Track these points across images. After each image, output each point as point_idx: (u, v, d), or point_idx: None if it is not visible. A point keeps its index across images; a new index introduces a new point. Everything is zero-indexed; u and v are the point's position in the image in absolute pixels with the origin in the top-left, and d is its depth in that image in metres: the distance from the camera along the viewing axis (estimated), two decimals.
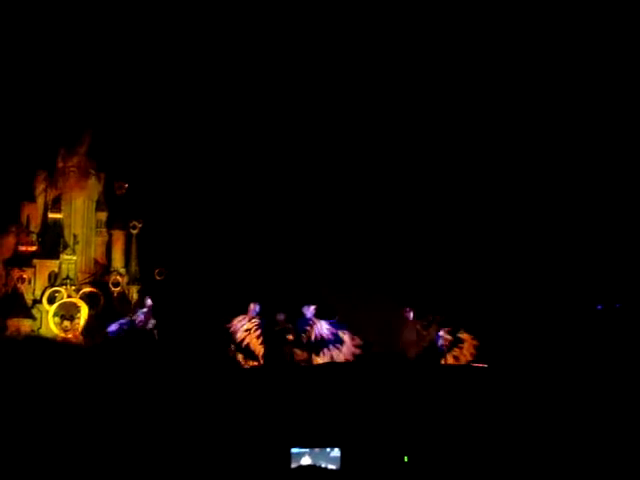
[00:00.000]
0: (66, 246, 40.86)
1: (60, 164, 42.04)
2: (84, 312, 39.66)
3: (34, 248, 40.73)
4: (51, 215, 41.22)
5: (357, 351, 34.98)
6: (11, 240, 40.82)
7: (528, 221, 43.90)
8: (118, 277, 41.12)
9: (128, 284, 41.35)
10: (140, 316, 37.73)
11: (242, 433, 27.70)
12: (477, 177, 45.95)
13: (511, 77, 46.67)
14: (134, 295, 41.21)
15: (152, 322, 37.31)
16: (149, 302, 38.33)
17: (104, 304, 40.50)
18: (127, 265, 41.75)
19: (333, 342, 35.01)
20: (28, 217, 41.52)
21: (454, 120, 46.66)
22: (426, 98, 46.55)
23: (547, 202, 44.22)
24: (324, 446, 27.33)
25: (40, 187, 41.97)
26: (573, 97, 45.44)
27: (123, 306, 40.51)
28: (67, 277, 40.45)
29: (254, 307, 36.49)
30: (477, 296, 40.64)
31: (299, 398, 28.26)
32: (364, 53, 47.17)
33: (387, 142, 46.67)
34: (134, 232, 41.83)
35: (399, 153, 46.36)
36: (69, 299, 40.17)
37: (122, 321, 37.69)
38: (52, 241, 40.91)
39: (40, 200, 41.76)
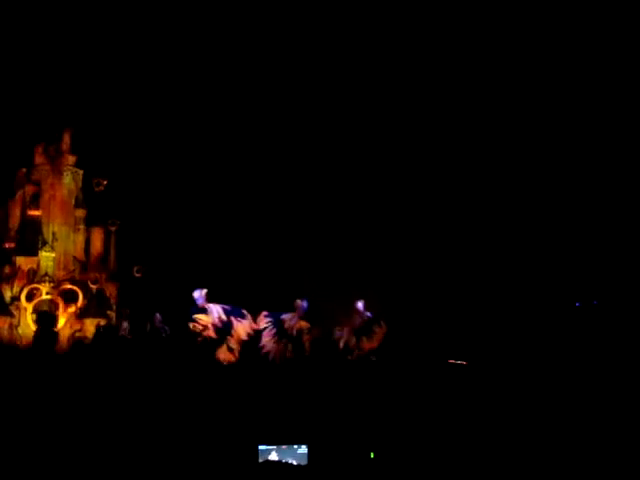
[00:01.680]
0: (45, 243, 40.72)
1: (39, 160, 41.88)
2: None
3: (12, 245, 40.63)
4: (29, 212, 41.08)
5: (252, 333, 35.13)
6: None
7: (506, 218, 43.79)
8: (97, 274, 41.00)
9: (107, 281, 41.23)
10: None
11: (208, 430, 27.61)
12: (462, 182, 45.97)
13: (511, 77, 46.55)
14: (113, 292, 41.08)
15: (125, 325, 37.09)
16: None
17: (83, 301, 40.28)
18: (105, 262, 41.73)
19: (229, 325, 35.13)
20: (7, 214, 41.43)
21: (439, 130, 46.64)
22: (423, 100, 46.48)
23: (524, 200, 44.15)
24: (291, 443, 27.29)
25: (19, 184, 41.88)
26: (573, 97, 45.31)
27: (102, 303, 40.37)
28: (46, 274, 40.25)
29: (302, 303, 36.21)
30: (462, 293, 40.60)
31: (265, 395, 28.19)
32: (364, 53, 47.10)
33: (375, 152, 46.64)
34: (113, 229, 41.75)
35: (385, 162, 46.35)
36: (47, 296, 39.97)
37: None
38: (31, 238, 40.80)
39: (18, 197, 41.65)
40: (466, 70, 46.94)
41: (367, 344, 35.00)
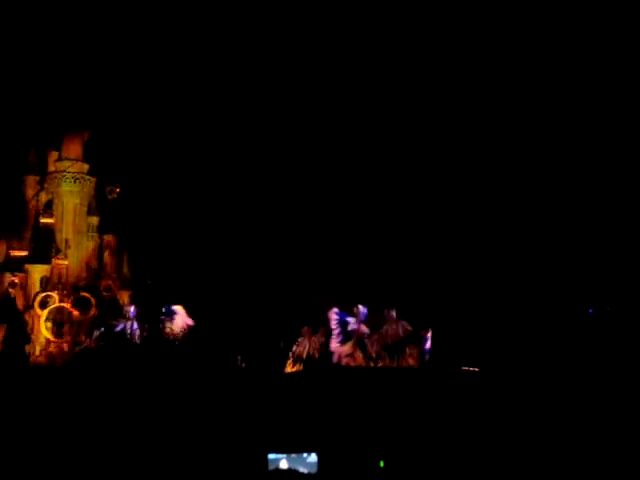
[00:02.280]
0: (58, 251, 40.91)
1: (52, 168, 42.14)
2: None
3: (25, 253, 40.87)
4: (42, 220, 41.28)
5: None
6: (2, 245, 41.00)
7: (519, 226, 43.65)
8: (110, 282, 41.17)
9: (120, 289, 41.41)
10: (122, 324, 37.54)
11: (219, 438, 27.62)
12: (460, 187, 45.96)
13: (511, 77, 46.46)
14: (125, 300, 41.25)
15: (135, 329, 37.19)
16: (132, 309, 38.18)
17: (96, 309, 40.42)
18: (119, 270, 41.92)
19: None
20: (19, 222, 41.69)
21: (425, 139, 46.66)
22: (423, 101, 46.47)
23: (535, 208, 44.04)
24: (301, 451, 27.20)
25: (31, 192, 42.17)
26: (572, 97, 45.18)
27: (114, 311, 40.46)
28: (59, 282, 40.42)
29: (362, 309, 36.38)
30: (469, 300, 40.42)
31: (276, 404, 28.18)
32: (364, 54, 47.14)
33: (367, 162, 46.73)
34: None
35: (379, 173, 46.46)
36: (61, 304, 40.11)
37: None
38: (43, 246, 40.98)
39: (31, 205, 41.93)
40: (466, 70, 46.98)
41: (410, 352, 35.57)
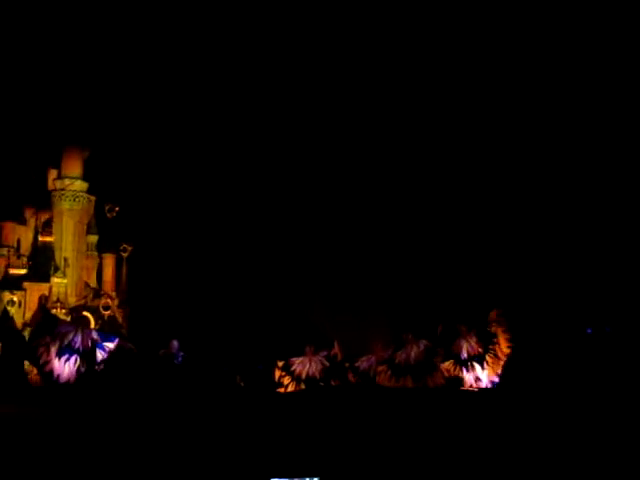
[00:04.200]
0: (57, 269, 40.90)
1: (51, 186, 42.13)
2: None
3: (24, 271, 40.82)
4: (42, 238, 41.27)
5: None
6: (1, 263, 40.93)
7: (516, 245, 43.78)
8: (108, 300, 41.17)
9: (118, 307, 41.41)
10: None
11: (221, 463, 27.51)
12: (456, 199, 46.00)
13: (511, 78, 46.49)
14: (124, 318, 41.27)
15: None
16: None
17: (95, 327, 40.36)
18: (117, 288, 41.94)
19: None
20: (19, 240, 41.64)
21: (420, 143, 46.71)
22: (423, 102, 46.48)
23: (531, 224, 44.18)
24: (303, 476, 27.09)
25: (30, 210, 42.14)
26: (572, 98, 45.24)
27: (113, 329, 40.46)
28: (57, 300, 40.39)
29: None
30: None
31: (279, 428, 28.10)
32: (364, 54, 47.14)
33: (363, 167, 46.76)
34: (124, 255, 41.99)
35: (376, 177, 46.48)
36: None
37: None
38: (43, 264, 40.97)
39: (31, 223, 41.92)
40: (466, 71, 47.04)
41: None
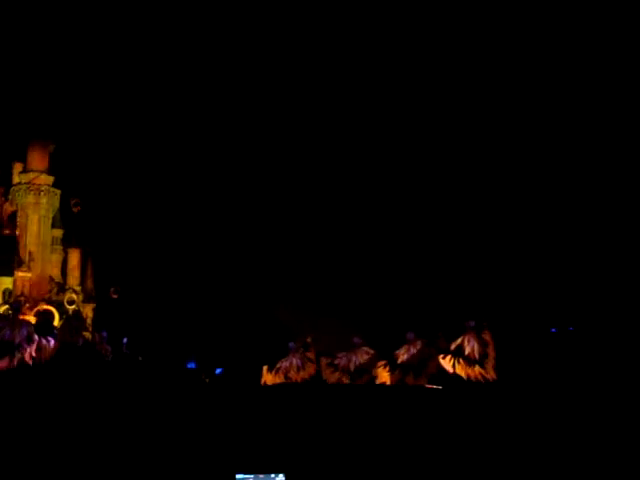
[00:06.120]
0: (21, 263, 40.49)
1: (16, 180, 41.73)
2: None
3: None
4: (5, 232, 40.90)
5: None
6: None
7: (488, 244, 44.10)
8: (73, 295, 40.86)
9: (83, 302, 41.12)
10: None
11: (186, 458, 27.38)
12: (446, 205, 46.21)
13: (511, 78, 46.68)
14: (89, 313, 40.98)
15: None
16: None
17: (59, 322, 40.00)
18: (83, 283, 41.65)
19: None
20: None
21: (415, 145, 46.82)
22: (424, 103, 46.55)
23: (505, 225, 44.50)
24: (269, 472, 27.08)
25: None
26: (572, 98, 45.50)
27: (79, 324, 40.08)
28: (22, 294, 39.98)
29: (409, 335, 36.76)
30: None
31: (243, 423, 27.99)
32: (364, 54, 47.15)
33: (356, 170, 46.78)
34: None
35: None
36: (23, 317, 39.62)
37: None
38: (6, 258, 40.55)
39: None
40: (466, 71, 47.19)
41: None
